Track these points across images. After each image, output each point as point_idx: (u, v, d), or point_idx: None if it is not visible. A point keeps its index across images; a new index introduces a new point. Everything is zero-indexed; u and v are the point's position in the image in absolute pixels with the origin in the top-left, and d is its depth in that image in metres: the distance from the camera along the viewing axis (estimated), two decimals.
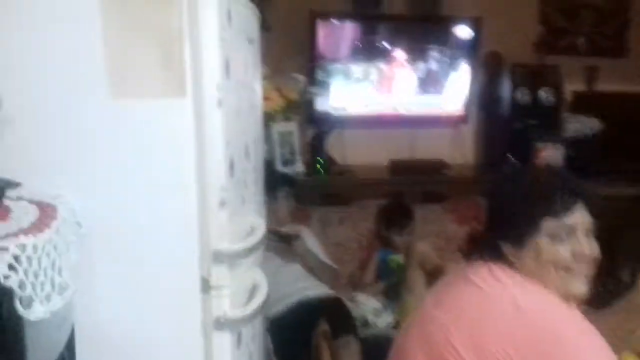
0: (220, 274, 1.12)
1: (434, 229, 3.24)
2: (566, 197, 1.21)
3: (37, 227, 0.79)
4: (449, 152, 3.72)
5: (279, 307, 2.55)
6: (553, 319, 1.16)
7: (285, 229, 2.70)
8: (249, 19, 1.45)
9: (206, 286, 1.10)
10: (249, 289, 1.27)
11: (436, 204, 3.36)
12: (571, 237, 1.21)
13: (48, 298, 0.77)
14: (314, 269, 2.66)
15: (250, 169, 1.39)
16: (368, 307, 2.70)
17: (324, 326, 2.31)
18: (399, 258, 2.88)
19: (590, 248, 1.22)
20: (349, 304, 2.68)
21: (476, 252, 1.33)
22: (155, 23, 1.08)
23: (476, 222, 3.11)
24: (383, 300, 2.76)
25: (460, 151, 3.76)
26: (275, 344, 2.47)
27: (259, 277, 1.32)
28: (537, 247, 1.21)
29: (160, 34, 1.08)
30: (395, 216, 2.97)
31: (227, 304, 1.13)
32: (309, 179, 3.25)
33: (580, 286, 1.22)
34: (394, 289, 2.77)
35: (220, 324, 1.12)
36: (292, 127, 3.32)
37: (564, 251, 1.20)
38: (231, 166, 1.17)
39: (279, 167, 3.21)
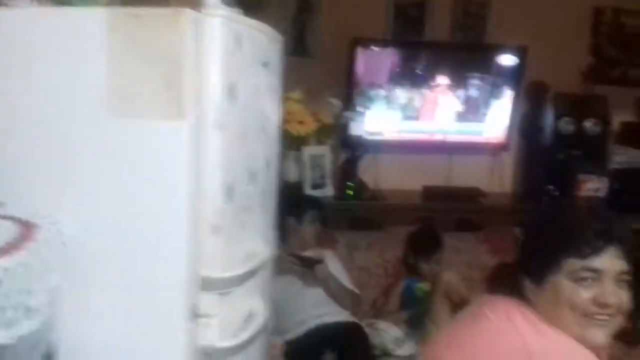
0: (209, 302, 1.10)
1: (466, 259, 3.12)
2: (596, 238, 1.13)
3: (7, 249, 0.78)
4: (487, 181, 3.61)
5: (296, 332, 2.51)
6: None
7: (309, 253, 2.66)
8: (264, 42, 1.44)
9: (194, 314, 1.08)
10: (243, 317, 1.24)
11: (470, 233, 3.25)
12: (597, 282, 1.13)
13: (12, 323, 0.76)
14: (336, 294, 2.61)
15: (256, 194, 1.37)
16: (389, 335, 2.62)
17: (330, 357, 2.28)
18: (425, 287, 2.79)
19: (617, 297, 1.13)
20: (369, 331, 2.62)
21: (498, 286, 1.28)
22: (159, 46, 1.08)
23: (508, 253, 2.99)
24: (406, 329, 2.68)
25: (498, 180, 3.64)
26: None
27: (258, 305, 1.29)
28: (556, 286, 1.15)
29: (164, 57, 1.08)
30: (423, 243, 2.90)
31: (215, 334, 1.11)
32: (339, 203, 3.21)
33: (600, 336, 1.13)
34: (418, 318, 2.69)
35: (207, 354, 1.10)
36: (324, 150, 3.30)
37: (585, 295, 1.13)
38: (229, 191, 1.16)
39: (309, 191, 3.19)
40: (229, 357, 1.15)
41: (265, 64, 1.47)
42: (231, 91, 1.15)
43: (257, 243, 1.32)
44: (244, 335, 1.17)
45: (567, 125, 3.45)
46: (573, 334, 1.13)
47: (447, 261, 2.91)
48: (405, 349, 2.57)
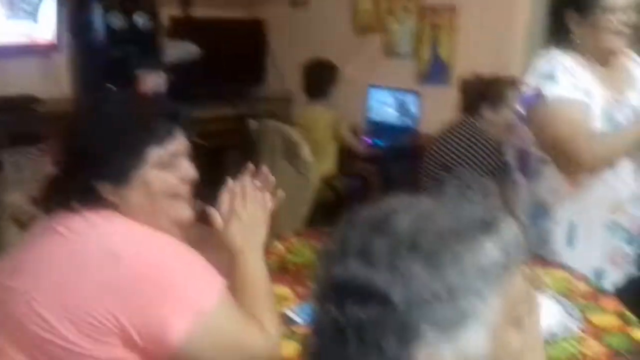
0: None
1: (31, 175, 2.86)
2: (167, 123, 1.17)
3: None
4: (42, 86, 3.31)
5: None
6: (153, 259, 1.08)
7: None
8: None
9: None
10: None
11: (30, 146, 2.96)
12: (176, 163, 1.18)
13: None
14: None
15: None
16: None
17: None
18: None
19: (193, 171, 1.21)
20: None
21: (60, 200, 1.14)
22: None
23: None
24: None
25: (54, 84, 3.38)
26: None
27: None
28: (145, 179, 1.13)
29: None
30: None
31: None
32: None
33: (186, 210, 1.21)
34: None
35: None
36: None
37: (173, 178, 1.17)
38: None
39: None
40: None
41: None
42: None
43: None
44: None
45: (117, 21, 3.38)
46: (168, 217, 1.17)
47: (10, 181, 2.62)
48: None
